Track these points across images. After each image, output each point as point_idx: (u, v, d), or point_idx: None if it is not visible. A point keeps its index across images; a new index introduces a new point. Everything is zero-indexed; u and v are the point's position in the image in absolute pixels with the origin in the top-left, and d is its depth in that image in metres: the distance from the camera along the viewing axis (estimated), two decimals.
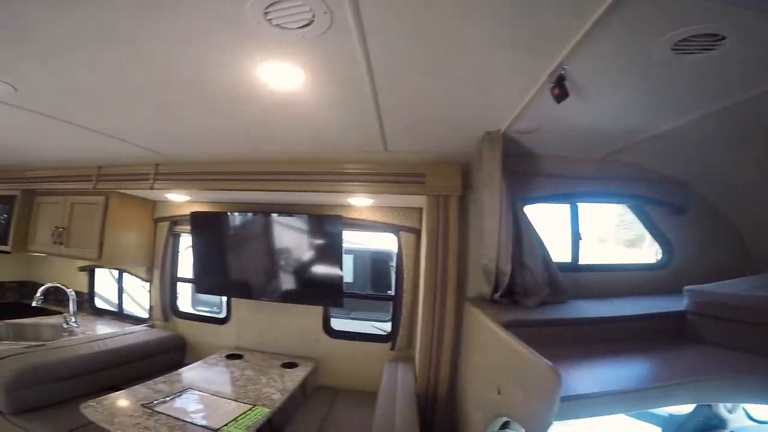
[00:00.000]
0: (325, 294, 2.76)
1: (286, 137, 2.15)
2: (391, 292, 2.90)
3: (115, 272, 3.62)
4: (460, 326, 2.20)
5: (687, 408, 2.16)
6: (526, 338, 1.29)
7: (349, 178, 2.39)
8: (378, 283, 4.44)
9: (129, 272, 3.44)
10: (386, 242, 4.38)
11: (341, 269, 2.69)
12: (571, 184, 2.24)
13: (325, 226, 2.72)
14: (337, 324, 3.04)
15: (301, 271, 2.81)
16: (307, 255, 2.79)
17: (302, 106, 1.70)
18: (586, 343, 1.65)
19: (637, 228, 3.17)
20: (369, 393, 2.41)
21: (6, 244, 3.28)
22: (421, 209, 2.70)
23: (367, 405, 2.17)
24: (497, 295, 2.00)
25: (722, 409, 2.10)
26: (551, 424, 1.02)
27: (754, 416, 2.13)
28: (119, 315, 3.60)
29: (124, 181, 2.92)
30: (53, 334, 3.00)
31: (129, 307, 3.67)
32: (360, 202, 2.69)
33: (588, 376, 1.41)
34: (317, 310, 2.93)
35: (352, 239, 4.39)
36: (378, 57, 1.27)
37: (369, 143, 2.15)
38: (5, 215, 3.32)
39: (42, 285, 3.03)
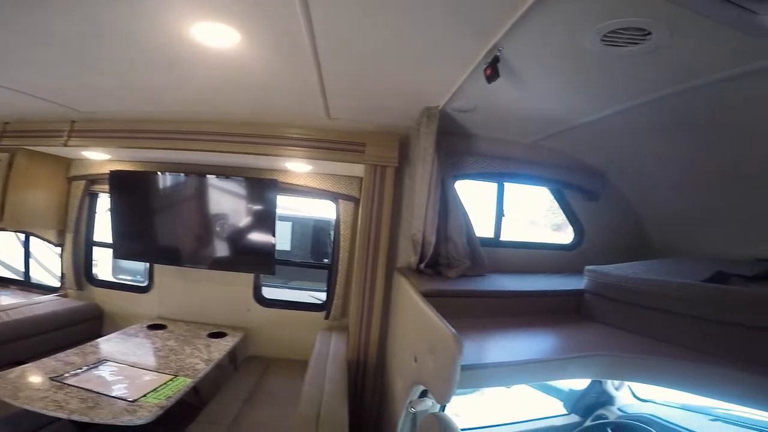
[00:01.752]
0: (256, 261, 2.69)
1: (223, 98, 2.05)
2: (328, 261, 2.89)
3: (21, 236, 3.25)
4: (390, 295, 2.28)
5: (585, 384, 2.35)
6: (446, 309, 1.30)
7: (290, 143, 2.31)
8: (318, 252, 4.41)
9: (37, 236, 3.09)
10: (328, 211, 4.34)
11: (274, 236, 2.62)
12: (502, 165, 2.35)
13: (262, 191, 2.62)
14: (271, 293, 2.99)
15: (233, 237, 2.70)
16: (241, 220, 2.68)
17: (240, 67, 1.60)
18: (500, 315, 1.75)
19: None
20: (302, 362, 2.38)
21: None
22: (362, 179, 2.68)
23: (299, 373, 2.15)
24: (422, 265, 2.09)
25: (610, 386, 2.28)
26: (453, 392, 1.04)
27: (638, 394, 2.34)
28: (26, 284, 3.26)
29: (33, 138, 2.62)
30: None
31: (37, 276, 3.34)
32: (299, 167, 2.62)
33: (495, 347, 1.50)
34: (248, 278, 2.85)
35: (292, 207, 4.27)
36: (320, 21, 1.22)
37: (311, 109, 2.11)
38: None
39: None
